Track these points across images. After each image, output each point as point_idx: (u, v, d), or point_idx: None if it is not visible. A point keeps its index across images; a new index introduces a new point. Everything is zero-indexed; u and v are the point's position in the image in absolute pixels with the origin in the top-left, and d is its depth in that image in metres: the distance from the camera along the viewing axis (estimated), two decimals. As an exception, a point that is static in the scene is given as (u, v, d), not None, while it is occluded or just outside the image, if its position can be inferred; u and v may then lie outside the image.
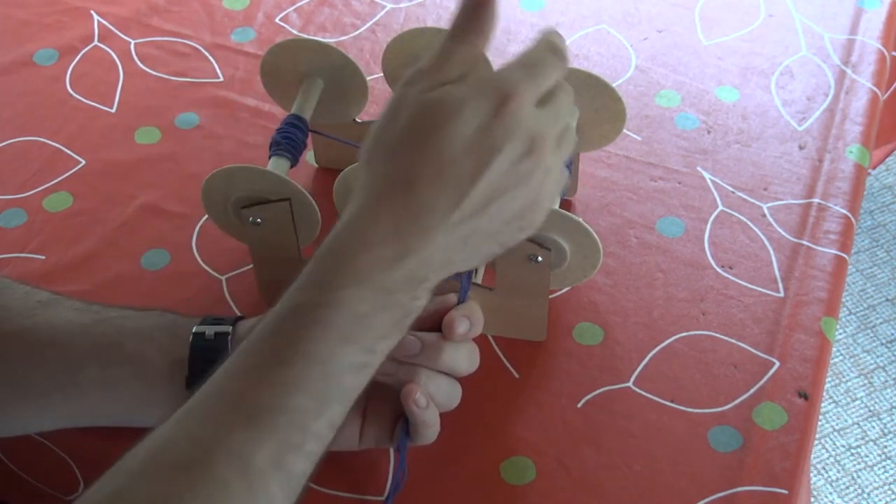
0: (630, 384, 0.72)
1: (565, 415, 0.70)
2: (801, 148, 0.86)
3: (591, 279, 0.73)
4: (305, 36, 0.96)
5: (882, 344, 1.64)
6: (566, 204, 0.82)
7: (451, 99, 0.53)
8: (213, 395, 0.51)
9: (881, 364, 1.62)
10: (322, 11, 1.00)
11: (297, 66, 0.76)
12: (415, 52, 0.75)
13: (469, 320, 0.64)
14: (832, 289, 0.77)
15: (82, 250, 0.81)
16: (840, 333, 1.65)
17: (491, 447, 0.69)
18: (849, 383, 1.60)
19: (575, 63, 0.93)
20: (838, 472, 1.51)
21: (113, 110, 0.92)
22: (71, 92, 0.94)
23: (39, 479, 0.75)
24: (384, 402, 0.64)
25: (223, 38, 0.97)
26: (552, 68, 0.56)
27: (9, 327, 0.65)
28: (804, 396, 0.70)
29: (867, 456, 1.53)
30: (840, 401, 1.58)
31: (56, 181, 0.86)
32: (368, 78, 0.76)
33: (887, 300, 1.69)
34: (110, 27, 0.99)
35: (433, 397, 0.63)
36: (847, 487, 1.50)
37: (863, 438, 1.54)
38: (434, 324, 0.64)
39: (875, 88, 0.91)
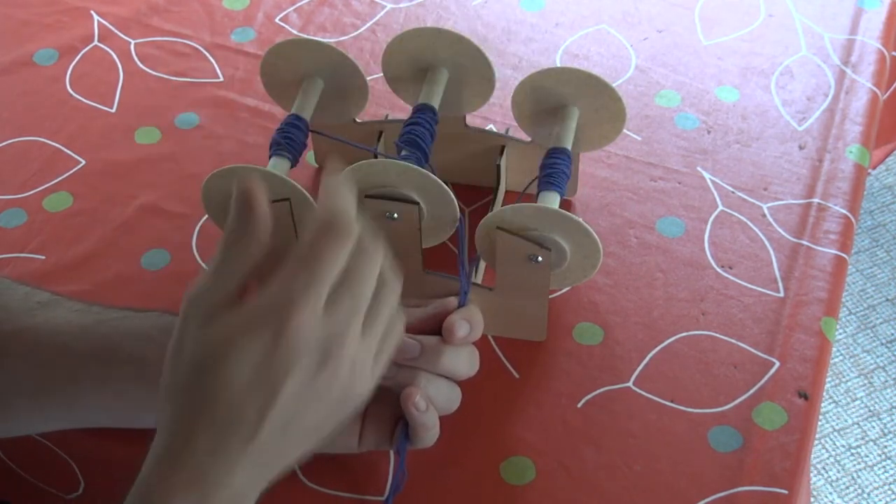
0: (630, 384, 0.72)
1: (565, 415, 0.70)
2: (801, 148, 0.86)
3: (591, 279, 0.72)
4: (305, 36, 0.96)
5: (882, 344, 1.64)
6: (566, 204, 0.82)
7: (227, 337, 0.50)
8: None
9: (881, 364, 1.62)
10: (322, 11, 1.00)
11: (297, 66, 0.76)
12: (415, 53, 0.75)
13: (469, 324, 0.64)
14: (832, 289, 0.77)
15: (82, 250, 0.81)
16: (840, 333, 1.65)
17: (491, 447, 0.69)
18: (849, 383, 1.60)
19: (575, 63, 0.93)
20: (838, 472, 1.51)
21: (113, 110, 0.92)
22: (71, 92, 0.94)
23: (40, 479, 0.75)
24: (383, 405, 0.64)
25: (223, 38, 0.97)
26: (333, 260, 0.51)
27: (9, 328, 0.65)
28: (804, 396, 0.70)
29: (867, 456, 1.53)
30: (840, 401, 1.58)
31: (56, 181, 0.86)
32: (368, 78, 0.76)
33: (887, 300, 1.69)
34: (110, 27, 0.99)
35: (433, 400, 0.63)
36: (847, 487, 1.50)
37: (863, 438, 1.54)
38: (434, 327, 0.64)
39: (875, 88, 0.91)
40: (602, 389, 0.71)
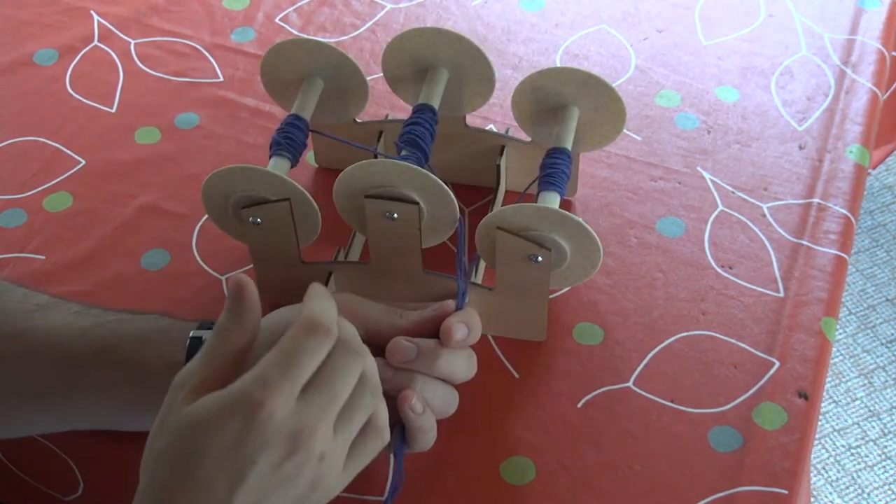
0: (630, 384, 0.72)
1: (565, 415, 0.70)
2: (801, 148, 0.86)
3: (591, 279, 0.72)
4: (305, 36, 0.96)
5: (882, 344, 1.64)
6: (566, 204, 0.82)
7: (204, 417, 0.53)
8: None
9: (881, 364, 1.62)
10: (322, 11, 1.00)
11: (297, 66, 0.76)
12: (415, 53, 0.75)
13: (467, 327, 0.64)
14: (832, 289, 0.77)
15: (82, 250, 0.81)
16: (840, 333, 1.65)
17: (491, 447, 0.69)
18: (849, 383, 1.60)
19: (575, 63, 0.93)
20: (838, 472, 1.51)
21: (113, 110, 0.92)
22: (71, 92, 0.94)
23: (39, 480, 0.75)
24: None
25: (223, 38, 0.97)
26: (310, 354, 0.54)
27: (7, 330, 0.65)
28: (804, 396, 0.70)
29: (867, 456, 1.53)
30: (840, 401, 1.58)
31: (56, 181, 0.86)
32: (368, 78, 0.76)
33: (887, 300, 1.69)
34: (110, 27, 0.99)
35: (429, 404, 0.63)
36: (847, 487, 1.50)
37: (863, 438, 1.54)
38: (432, 330, 0.64)
39: (875, 88, 0.91)
40: (602, 389, 0.71)
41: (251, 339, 0.57)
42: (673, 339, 0.74)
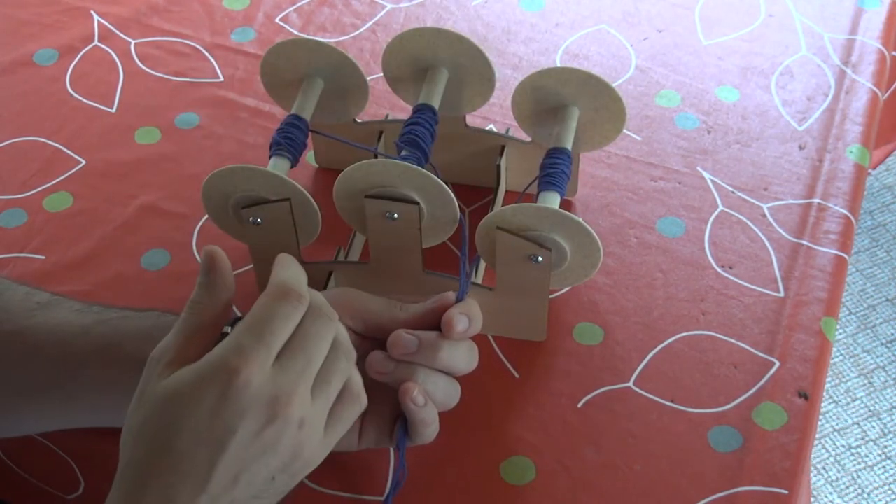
0: (630, 384, 0.72)
1: (565, 415, 0.70)
2: (801, 148, 0.86)
3: (591, 279, 0.73)
4: (305, 36, 0.96)
5: (882, 344, 1.64)
6: (566, 204, 0.82)
7: (179, 390, 0.53)
8: None
9: (881, 364, 1.62)
10: (322, 11, 1.00)
11: (297, 66, 0.76)
12: (415, 53, 0.75)
13: (468, 318, 0.64)
14: (832, 289, 0.77)
15: (82, 250, 0.81)
16: (840, 333, 1.65)
17: (491, 447, 0.69)
18: (849, 383, 1.60)
19: (575, 63, 0.93)
20: (838, 472, 1.51)
21: (113, 110, 0.92)
22: (71, 92, 0.94)
23: (40, 479, 0.75)
24: (383, 402, 0.64)
25: (223, 38, 0.98)
26: (283, 319, 0.54)
27: (8, 328, 0.65)
28: (804, 396, 0.70)
29: (867, 456, 1.53)
30: (840, 401, 1.58)
31: (56, 181, 0.86)
32: (368, 78, 0.76)
33: (887, 300, 1.69)
34: (110, 27, 0.99)
35: (431, 396, 0.63)
36: (847, 487, 1.50)
37: (863, 438, 1.54)
38: (433, 322, 0.64)
39: (875, 88, 0.91)
40: (602, 389, 0.71)
41: (225, 311, 0.57)
42: (673, 339, 0.74)
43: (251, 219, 0.70)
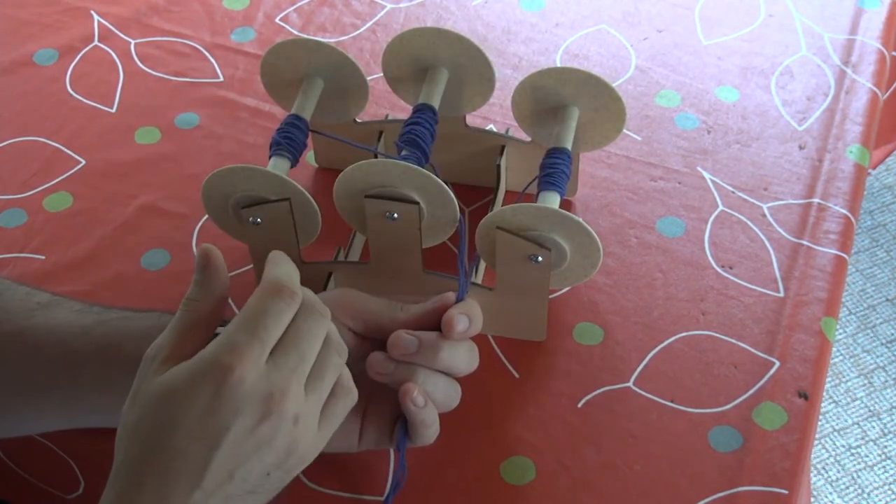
0: (630, 384, 0.72)
1: (565, 415, 0.70)
2: (801, 148, 0.86)
3: (591, 279, 0.73)
4: (305, 36, 0.96)
5: (882, 344, 1.64)
6: (566, 204, 0.82)
7: (174, 387, 0.53)
8: None
9: (881, 364, 1.62)
10: (322, 11, 1.00)
11: (297, 66, 0.76)
12: (415, 53, 0.75)
13: (468, 318, 0.64)
14: (832, 289, 0.77)
15: (82, 250, 0.81)
16: (840, 333, 1.65)
17: (491, 447, 0.69)
18: (849, 383, 1.60)
19: (575, 63, 0.93)
20: (838, 472, 1.51)
21: (113, 110, 0.92)
22: (71, 92, 0.94)
23: (40, 479, 0.75)
24: (384, 403, 0.64)
25: (223, 38, 0.98)
26: (276, 316, 0.55)
27: (9, 328, 0.65)
28: (804, 396, 0.70)
29: (867, 456, 1.53)
30: (840, 401, 1.58)
31: (56, 181, 0.86)
32: (368, 78, 0.76)
33: (887, 300, 1.69)
34: (110, 27, 0.99)
35: (431, 397, 0.63)
36: (847, 487, 1.50)
37: (863, 438, 1.54)
38: (433, 322, 0.64)
39: (875, 88, 0.91)
40: (602, 389, 0.71)
41: (219, 308, 0.57)
42: (673, 339, 0.74)
43: (251, 219, 0.70)
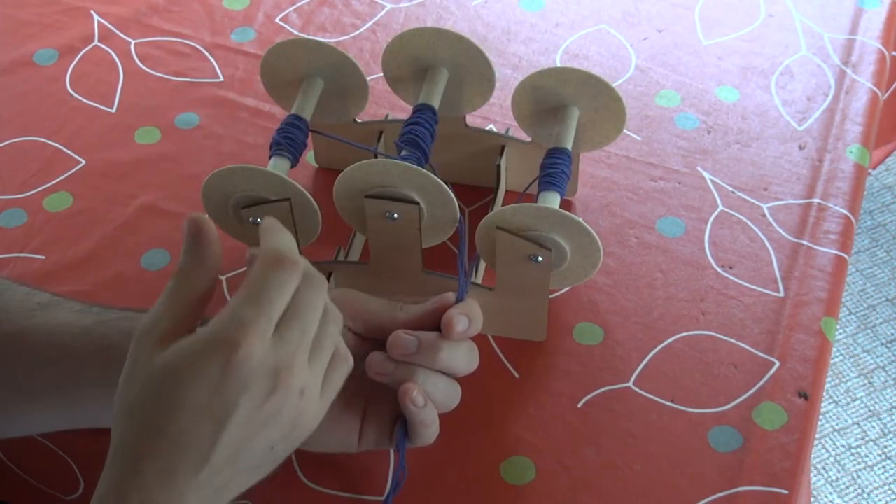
0: (630, 384, 0.72)
1: (565, 415, 0.70)
2: (801, 148, 0.86)
3: (591, 279, 0.73)
4: (305, 36, 0.96)
5: (882, 344, 1.64)
6: (566, 204, 0.82)
7: (178, 364, 0.51)
8: None
9: (881, 364, 1.62)
10: (322, 11, 1.00)
11: (297, 66, 0.76)
12: (415, 53, 0.75)
13: (468, 318, 0.64)
14: (832, 289, 0.77)
15: (82, 250, 0.81)
16: (840, 333, 1.65)
17: (491, 447, 0.69)
18: (849, 383, 1.60)
19: (575, 63, 0.93)
20: (838, 472, 1.51)
21: (113, 110, 0.92)
22: (71, 92, 0.94)
23: (39, 479, 0.75)
24: (383, 403, 0.64)
25: (223, 38, 0.98)
26: (279, 288, 0.53)
27: (8, 328, 0.65)
28: (804, 396, 0.70)
29: (867, 456, 1.53)
30: (840, 401, 1.58)
31: (56, 181, 0.86)
32: (368, 78, 0.76)
33: (887, 300, 1.69)
34: (110, 27, 0.99)
35: (431, 396, 0.62)
36: (847, 487, 1.50)
37: (863, 438, 1.54)
38: (433, 322, 0.64)
39: (875, 88, 0.91)
40: (602, 389, 0.71)
41: (214, 278, 0.56)
42: (673, 339, 0.74)
43: (251, 219, 0.70)
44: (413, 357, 0.62)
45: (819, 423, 0.89)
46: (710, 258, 0.79)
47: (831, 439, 1.54)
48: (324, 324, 0.56)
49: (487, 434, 0.69)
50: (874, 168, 1.33)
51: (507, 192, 0.82)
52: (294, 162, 0.73)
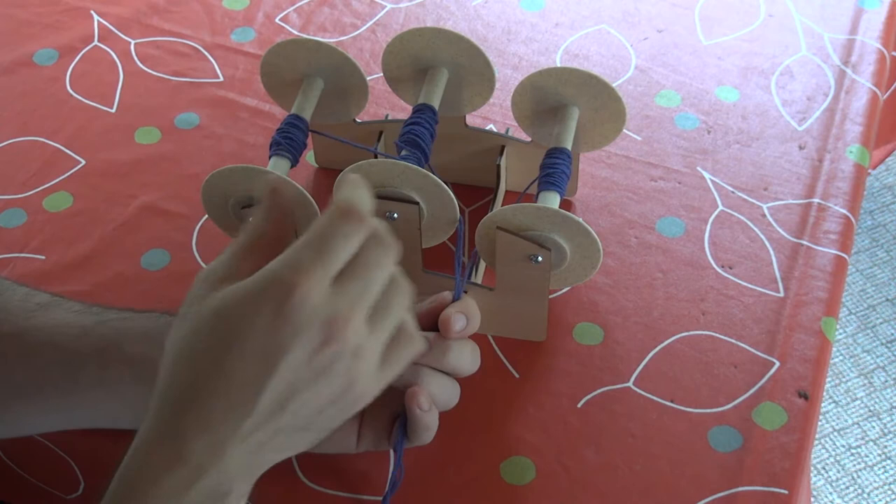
0: (630, 384, 0.72)
1: (565, 415, 0.70)
2: (801, 148, 0.86)
3: (591, 279, 0.73)
4: (305, 36, 0.96)
5: (882, 344, 1.64)
6: (566, 204, 0.82)
7: (229, 305, 0.50)
8: None
9: (881, 364, 1.62)
10: (322, 11, 1.00)
11: (297, 66, 0.76)
12: (415, 52, 0.75)
13: (465, 316, 0.64)
14: (832, 289, 0.77)
15: (82, 250, 0.81)
16: (840, 333, 1.65)
17: (491, 447, 0.69)
18: (849, 383, 1.60)
19: (575, 63, 0.93)
20: (838, 472, 1.51)
21: (113, 110, 0.92)
22: (71, 92, 0.94)
23: (40, 479, 0.75)
24: (382, 404, 0.64)
25: (223, 38, 0.98)
26: (344, 238, 0.51)
27: (8, 329, 0.65)
28: (804, 396, 0.70)
29: (867, 456, 1.53)
30: (840, 401, 1.58)
31: (56, 181, 0.86)
32: (368, 78, 0.76)
33: (887, 300, 1.69)
34: (110, 27, 0.99)
35: (435, 398, 0.63)
36: (847, 487, 1.50)
37: (863, 438, 1.54)
38: (430, 323, 0.64)
39: (875, 88, 0.91)
40: (602, 389, 0.71)
41: (281, 236, 0.53)
42: (673, 339, 0.74)
43: (251, 219, 0.69)
44: (421, 358, 0.62)
45: (819, 423, 0.89)
46: (710, 258, 0.79)
47: (831, 439, 1.54)
48: (391, 291, 0.53)
49: (487, 434, 0.69)
50: (874, 168, 1.33)
51: (507, 192, 0.82)
52: (294, 162, 0.73)
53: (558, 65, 0.93)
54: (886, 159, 1.31)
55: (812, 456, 1.13)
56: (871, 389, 1.59)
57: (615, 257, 0.79)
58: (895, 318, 1.67)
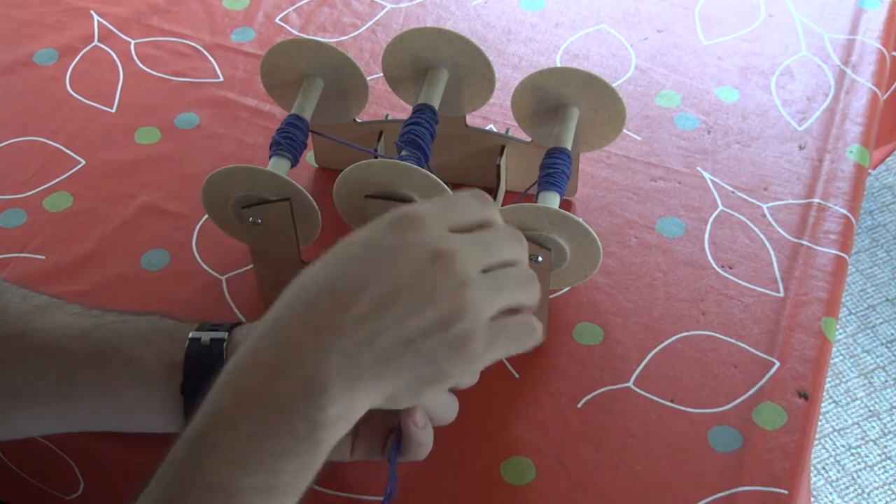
0: (630, 384, 0.72)
1: (565, 415, 0.70)
2: (801, 148, 0.86)
3: (591, 279, 0.73)
4: (305, 36, 0.96)
5: (882, 344, 1.64)
6: (566, 204, 0.82)
7: (357, 231, 0.53)
8: None
9: (881, 364, 1.62)
10: (322, 11, 1.00)
11: (297, 66, 0.76)
12: (415, 52, 0.75)
13: None
14: (832, 289, 0.77)
15: (82, 250, 0.81)
16: (840, 333, 1.65)
17: (491, 447, 0.69)
18: (849, 383, 1.60)
19: (575, 63, 0.93)
20: (838, 472, 1.51)
21: (113, 110, 0.92)
22: (71, 92, 0.94)
23: (40, 480, 0.75)
24: (378, 415, 0.63)
25: (223, 38, 0.98)
26: (464, 206, 0.54)
27: (6, 331, 0.65)
28: (804, 396, 0.70)
29: (867, 456, 1.53)
30: (840, 401, 1.58)
31: (56, 181, 0.86)
32: (368, 78, 0.76)
33: (887, 300, 1.69)
34: (110, 27, 0.99)
35: (433, 413, 0.62)
36: (847, 487, 1.50)
37: (863, 438, 1.54)
38: None
39: (875, 88, 0.91)
40: (602, 389, 0.71)
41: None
42: (673, 339, 0.74)
43: (251, 219, 0.70)
44: None
45: (819, 423, 0.89)
46: (710, 258, 0.79)
47: (831, 439, 1.54)
48: (513, 271, 0.54)
49: (487, 434, 0.69)
50: (874, 168, 1.33)
51: (507, 192, 0.82)
52: (294, 162, 0.73)
53: (558, 65, 0.93)
54: (886, 159, 1.31)
55: (812, 456, 1.13)
56: (871, 389, 1.59)
57: (615, 257, 0.79)
58: (895, 318, 1.67)
